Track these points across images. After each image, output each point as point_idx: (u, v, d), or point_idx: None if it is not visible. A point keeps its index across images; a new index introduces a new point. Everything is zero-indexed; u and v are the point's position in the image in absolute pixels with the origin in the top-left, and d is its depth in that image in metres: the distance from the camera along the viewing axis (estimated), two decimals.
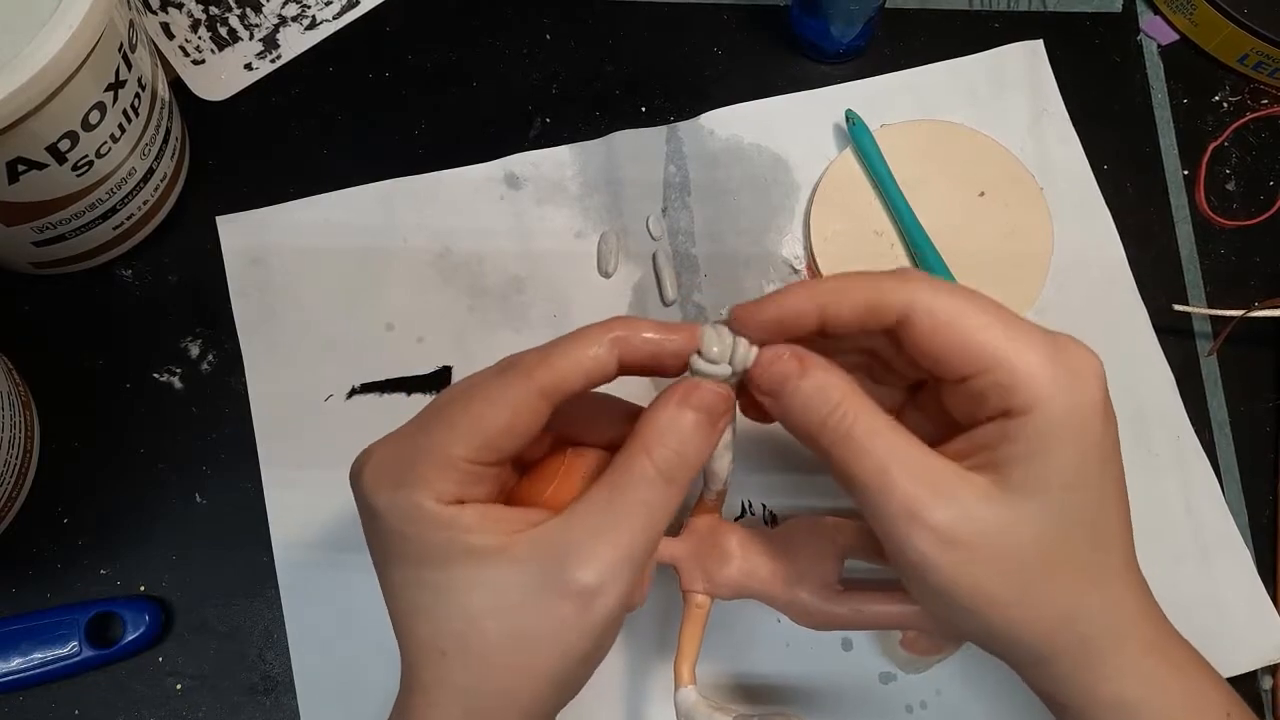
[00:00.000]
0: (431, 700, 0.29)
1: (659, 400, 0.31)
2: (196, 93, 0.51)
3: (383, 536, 0.30)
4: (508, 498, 0.33)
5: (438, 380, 0.47)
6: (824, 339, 0.31)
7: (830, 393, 0.30)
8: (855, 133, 0.50)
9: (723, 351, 0.31)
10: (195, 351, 0.48)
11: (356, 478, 0.31)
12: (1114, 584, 0.31)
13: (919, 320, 0.29)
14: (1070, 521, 0.29)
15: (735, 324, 0.32)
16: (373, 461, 0.30)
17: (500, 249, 0.49)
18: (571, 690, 0.31)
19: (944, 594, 0.29)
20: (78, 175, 0.41)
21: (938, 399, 0.32)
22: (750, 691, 0.43)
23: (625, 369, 0.31)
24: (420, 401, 0.47)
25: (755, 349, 0.32)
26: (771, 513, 0.46)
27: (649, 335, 0.31)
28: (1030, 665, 0.31)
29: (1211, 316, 0.49)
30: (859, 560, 0.36)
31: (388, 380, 0.47)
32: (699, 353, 0.31)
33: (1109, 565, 0.30)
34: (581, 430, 0.34)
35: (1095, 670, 0.30)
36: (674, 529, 0.37)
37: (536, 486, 0.34)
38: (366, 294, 0.48)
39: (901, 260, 0.49)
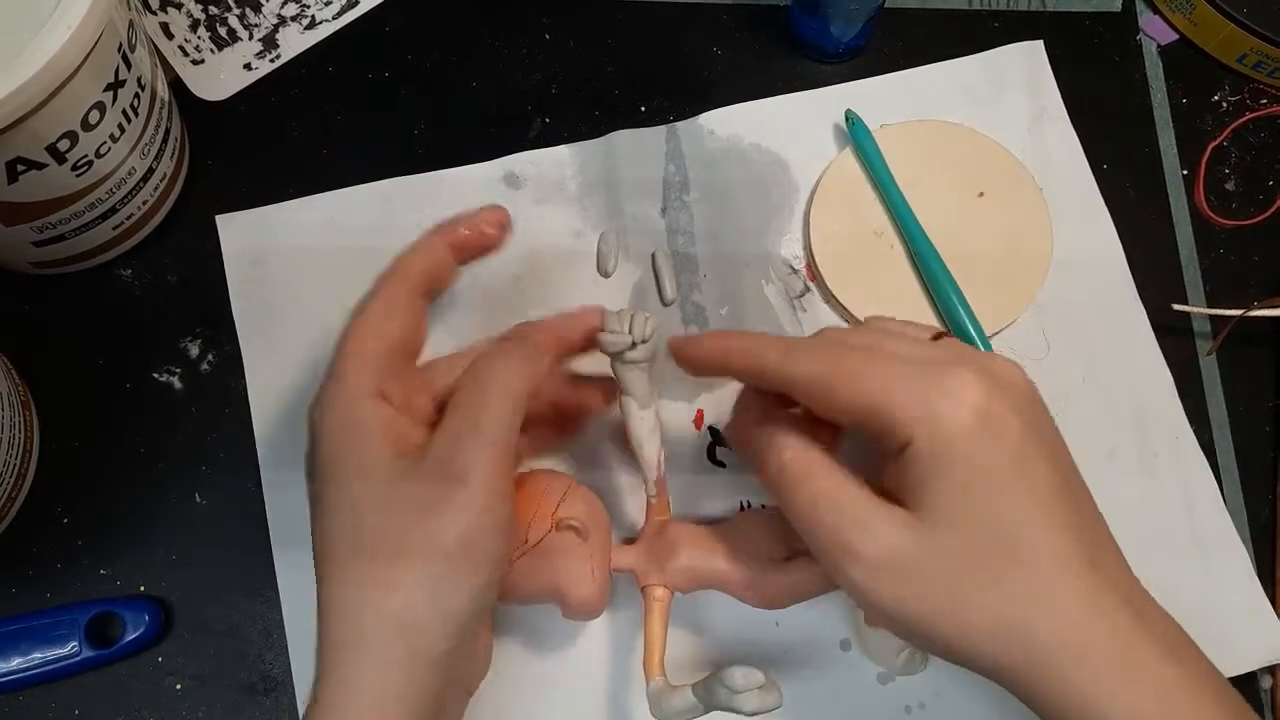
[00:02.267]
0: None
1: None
2: (196, 93, 0.51)
3: (312, 437, 0.34)
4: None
5: None
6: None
7: (774, 435, 0.34)
8: (855, 133, 0.50)
9: (622, 324, 0.36)
10: (195, 351, 0.48)
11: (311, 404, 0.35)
12: (1056, 599, 0.30)
13: (798, 391, 0.33)
14: (979, 538, 0.30)
15: (672, 349, 0.38)
16: (322, 386, 0.35)
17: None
18: (458, 575, 0.32)
19: (886, 614, 0.32)
20: (77, 175, 0.41)
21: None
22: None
23: (458, 253, 0.38)
24: None
25: (654, 320, 0.37)
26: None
27: (463, 223, 0.38)
28: (998, 677, 0.32)
29: (1211, 316, 0.49)
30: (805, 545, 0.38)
31: None
32: (604, 327, 0.37)
33: (1038, 578, 0.30)
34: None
35: (1058, 686, 0.30)
36: (627, 541, 0.41)
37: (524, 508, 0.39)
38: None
39: (901, 260, 0.49)
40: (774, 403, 0.36)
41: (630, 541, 0.41)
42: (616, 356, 0.37)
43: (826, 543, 0.32)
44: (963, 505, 0.30)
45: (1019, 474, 0.31)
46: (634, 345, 0.36)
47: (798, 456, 0.33)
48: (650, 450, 0.38)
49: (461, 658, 0.33)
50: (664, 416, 0.40)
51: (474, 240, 0.38)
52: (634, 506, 0.45)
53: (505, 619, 0.43)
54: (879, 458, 0.33)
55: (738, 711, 0.33)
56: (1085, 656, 0.30)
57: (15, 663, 0.42)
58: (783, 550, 0.38)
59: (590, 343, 0.38)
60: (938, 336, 0.35)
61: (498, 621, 0.41)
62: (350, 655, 0.31)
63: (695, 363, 0.37)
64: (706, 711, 0.34)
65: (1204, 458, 0.48)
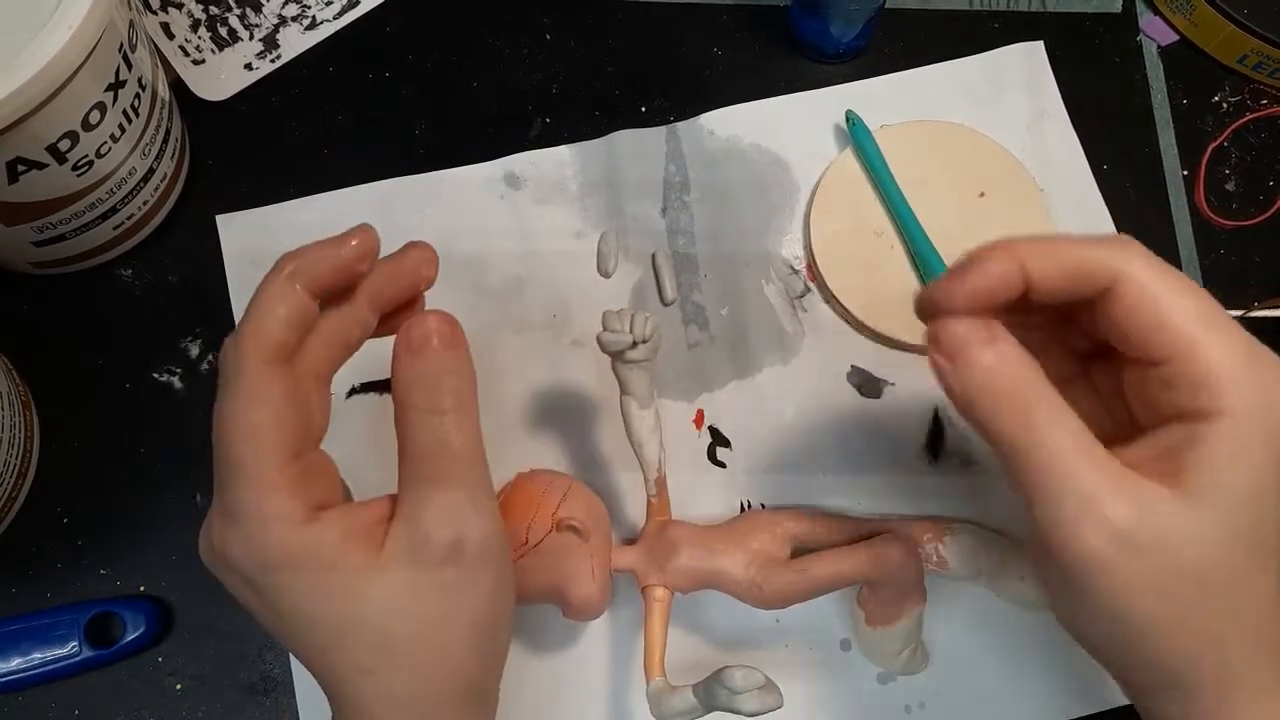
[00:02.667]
0: (376, 716, 0.29)
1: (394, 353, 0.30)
2: (196, 93, 0.51)
3: (259, 594, 0.28)
4: None
5: None
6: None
7: (1012, 369, 0.28)
8: (855, 133, 0.50)
9: (622, 323, 0.35)
10: (195, 351, 0.48)
11: (209, 555, 0.29)
12: (1265, 610, 0.28)
13: (1126, 293, 0.28)
14: (1241, 538, 0.27)
15: (930, 305, 0.29)
16: (209, 532, 0.29)
17: (500, 249, 0.49)
18: (498, 645, 0.31)
19: (1102, 598, 0.27)
20: (78, 175, 0.41)
21: (1116, 380, 0.31)
22: None
23: (322, 299, 0.30)
24: None
25: (654, 320, 0.36)
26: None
27: (316, 256, 0.29)
28: (1156, 690, 0.29)
29: None
30: (805, 546, 0.38)
31: (387, 380, 0.46)
32: (604, 327, 0.36)
33: (1265, 589, 0.28)
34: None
35: (1229, 705, 0.28)
36: (628, 542, 0.40)
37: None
38: None
39: (901, 260, 0.49)
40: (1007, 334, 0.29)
41: (630, 542, 0.41)
42: (617, 356, 0.37)
43: (1071, 499, 0.26)
44: (1248, 500, 0.27)
45: None
46: (634, 345, 0.36)
47: (1045, 398, 0.28)
48: (650, 450, 0.39)
49: None
50: (664, 416, 0.40)
51: (338, 276, 0.30)
52: (634, 506, 0.45)
53: None
54: (1143, 410, 0.29)
55: (738, 712, 0.33)
56: (1265, 676, 0.27)
57: (15, 663, 0.42)
58: (782, 550, 0.38)
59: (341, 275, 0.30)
60: None
61: None
62: None
63: (971, 296, 0.28)
64: (707, 712, 0.34)
65: None
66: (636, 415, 0.38)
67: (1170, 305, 0.27)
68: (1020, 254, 0.28)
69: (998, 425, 0.28)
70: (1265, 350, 0.28)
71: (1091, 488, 0.26)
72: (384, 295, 0.31)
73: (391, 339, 0.30)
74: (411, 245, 0.32)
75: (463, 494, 0.29)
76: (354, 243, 0.29)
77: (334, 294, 0.30)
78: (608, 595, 0.39)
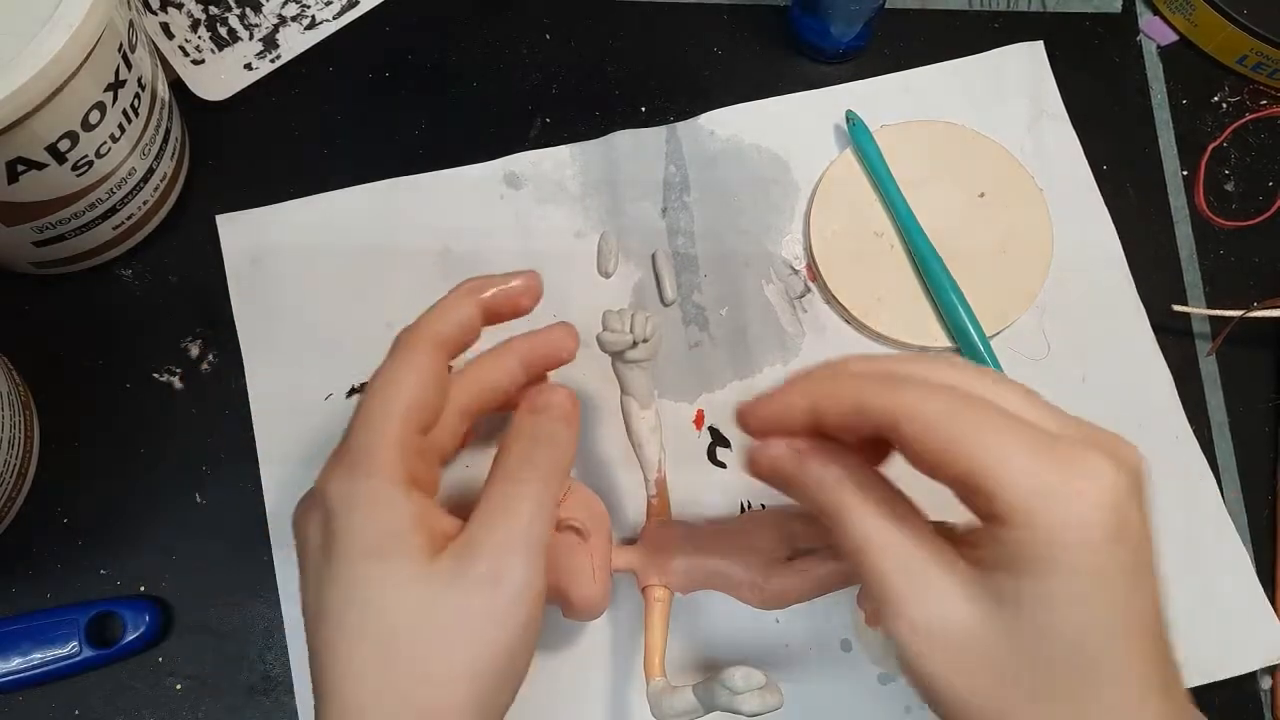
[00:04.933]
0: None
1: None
2: (196, 93, 0.51)
3: (327, 540, 0.30)
4: None
5: None
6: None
7: (823, 479, 0.30)
8: (855, 133, 0.50)
9: (623, 323, 0.36)
10: (195, 351, 0.48)
11: (304, 501, 0.32)
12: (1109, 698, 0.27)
13: (905, 429, 0.28)
14: (1059, 646, 0.27)
15: (739, 420, 0.32)
16: (324, 471, 0.32)
17: (500, 248, 0.49)
18: (500, 687, 0.30)
19: (921, 682, 0.28)
20: (78, 175, 0.41)
21: None
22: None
23: (487, 317, 0.34)
24: None
25: (655, 320, 0.36)
26: None
27: (496, 286, 0.35)
28: None
29: (1210, 317, 0.49)
30: (807, 545, 0.38)
31: None
32: (604, 326, 0.36)
33: (1101, 704, 0.27)
34: None
35: None
36: (628, 541, 0.40)
37: None
38: (366, 294, 0.48)
39: (901, 260, 0.49)
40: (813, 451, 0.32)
41: (631, 541, 0.41)
42: (617, 356, 0.37)
43: (878, 595, 0.29)
44: (1056, 608, 0.26)
45: (1130, 589, 0.27)
46: (634, 345, 0.36)
47: (856, 500, 0.29)
48: (650, 450, 0.39)
49: None
50: (664, 417, 0.40)
51: (504, 305, 0.35)
52: (634, 506, 0.45)
53: None
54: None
55: (738, 712, 0.33)
56: None
57: (15, 663, 0.42)
58: (783, 550, 0.38)
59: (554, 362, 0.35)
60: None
61: None
62: None
63: (766, 423, 0.31)
64: (707, 712, 0.34)
65: (1204, 457, 0.48)
66: (636, 415, 0.38)
67: (951, 430, 0.27)
68: (810, 391, 0.30)
69: (822, 523, 0.30)
70: (1083, 448, 0.27)
71: (894, 586, 0.28)
72: (532, 356, 0.35)
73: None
74: (559, 324, 0.36)
75: (519, 547, 0.30)
76: (519, 281, 0.35)
77: (497, 316, 0.35)
78: (609, 595, 0.39)
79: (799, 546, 0.37)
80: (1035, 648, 0.27)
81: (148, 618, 0.42)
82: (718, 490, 0.46)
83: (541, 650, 0.44)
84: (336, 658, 0.29)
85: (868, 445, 0.30)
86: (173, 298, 0.48)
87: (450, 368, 0.34)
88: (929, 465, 0.28)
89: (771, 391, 0.31)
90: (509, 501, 0.31)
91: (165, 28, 0.51)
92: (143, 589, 0.44)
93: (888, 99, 0.52)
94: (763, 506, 0.45)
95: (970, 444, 0.27)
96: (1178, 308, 0.49)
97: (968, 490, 0.27)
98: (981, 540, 0.27)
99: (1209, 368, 0.50)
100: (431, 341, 0.33)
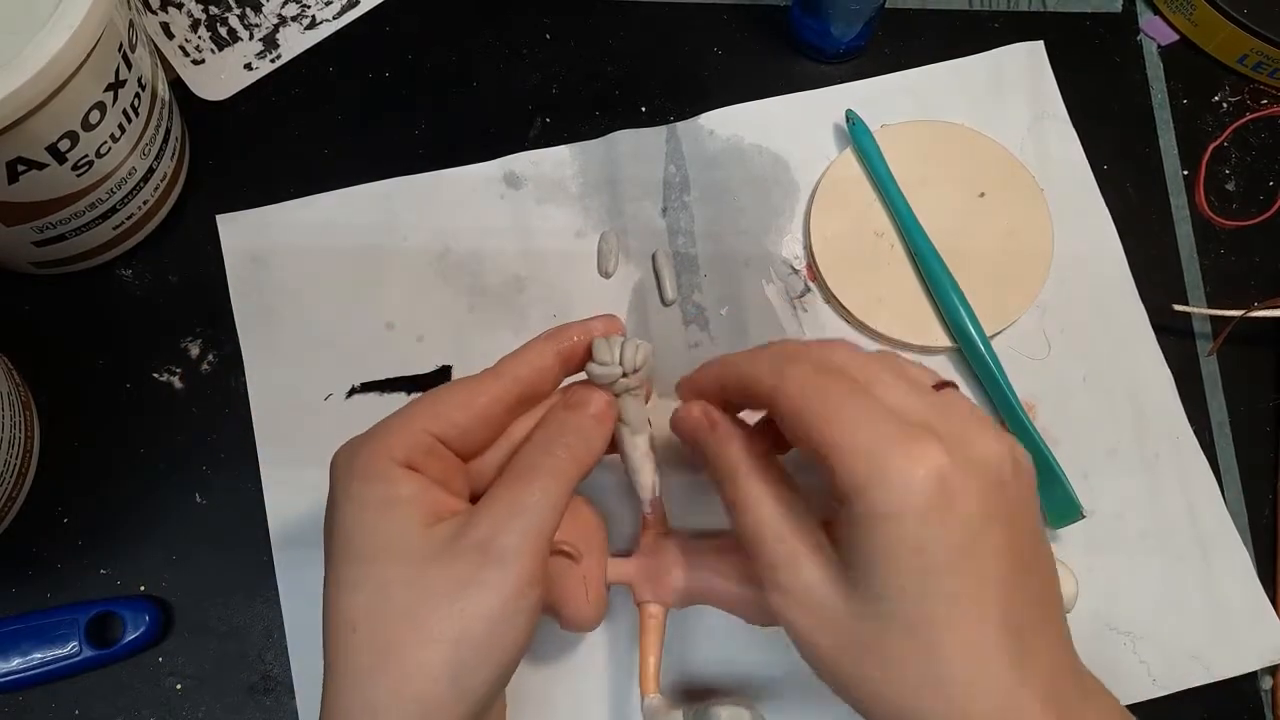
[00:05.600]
0: (339, 687, 0.31)
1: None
2: (196, 92, 0.51)
3: (333, 498, 0.32)
4: None
5: (438, 379, 0.47)
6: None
7: (727, 450, 0.34)
8: (855, 133, 0.50)
9: (612, 354, 0.35)
10: (195, 351, 0.48)
11: (336, 456, 0.34)
12: (970, 699, 0.28)
13: (778, 404, 0.32)
14: (901, 616, 0.29)
15: (677, 386, 0.38)
16: (352, 439, 0.34)
17: (500, 248, 0.49)
18: (479, 661, 0.30)
19: (795, 640, 0.32)
20: (78, 175, 0.41)
21: None
22: (748, 694, 0.43)
23: (567, 365, 0.36)
24: None
25: (646, 348, 0.36)
26: None
27: (577, 334, 0.36)
28: None
29: (1211, 316, 0.49)
30: None
31: (388, 379, 0.47)
32: (592, 359, 0.36)
33: (950, 673, 0.28)
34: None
35: None
36: (625, 552, 0.40)
37: None
38: (366, 294, 0.48)
39: (901, 260, 0.49)
40: (724, 423, 0.36)
41: (628, 553, 0.40)
42: (606, 388, 0.36)
43: (759, 566, 0.32)
44: (893, 577, 0.28)
45: (963, 556, 0.28)
46: (625, 374, 0.36)
47: (749, 476, 0.33)
48: (645, 475, 0.38)
49: None
50: (661, 419, 0.39)
51: (585, 350, 0.36)
52: (633, 510, 0.45)
53: None
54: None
55: None
56: None
57: (15, 663, 0.42)
58: None
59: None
60: (940, 386, 0.33)
61: None
62: None
63: (691, 389, 0.37)
64: None
65: (1204, 458, 0.48)
66: (629, 441, 0.37)
67: (814, 408, 0.30)
68: (720, 373, 0.35)
69: (733, 512, 0.34)
70: (926, 435, 0.29)
71: (770, 559, 0.32)
72: (572, 349, 0.36)
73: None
74: (604, 316, 0.37)
75: (516, 523, 0.32)
76: (600, 323, 0.36)
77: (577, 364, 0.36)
78: (603, 612, 0.38)
79: None
80: (874, 612, 0.29)
81: (148, 618, 0.42)
82: (715, 497, 0.46)
83: (537, 658, 0.43)
84: (337, 612, 0.31)
85: (777, 433, 0.33)
86: (173, 297, 0.48)
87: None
88: (796, 440, 0.31)
89: (708, 362, 0.36)
90: (519, 483, 0.33)
91: (165, 27, 0.51)
92: (143, 589, 0.44)
93: (888, 99, 0.52)
94: None
95: (822, 423, 0.30)
96: (1178, 307, 0.49)
97: (824, 468, 0.30)
98: (839, 518, 0.30)
99: (1209, 368, 0.50)
100: (504, 378, 0.35)
